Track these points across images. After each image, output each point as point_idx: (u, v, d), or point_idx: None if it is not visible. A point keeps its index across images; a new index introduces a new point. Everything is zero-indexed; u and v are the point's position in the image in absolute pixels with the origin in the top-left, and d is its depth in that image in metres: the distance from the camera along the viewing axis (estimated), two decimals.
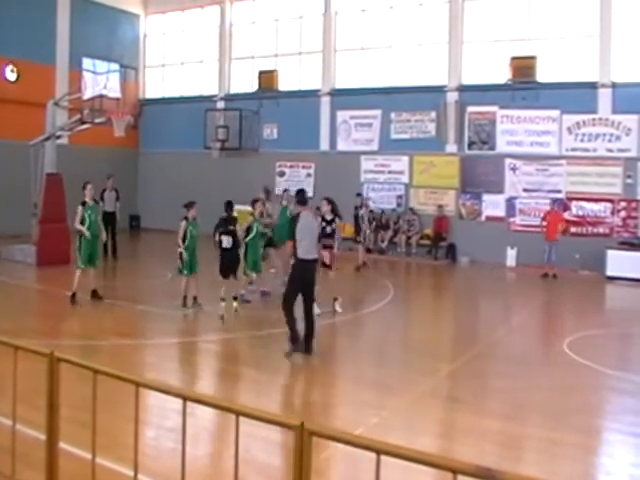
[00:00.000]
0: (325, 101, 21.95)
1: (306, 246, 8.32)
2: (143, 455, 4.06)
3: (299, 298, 8.46)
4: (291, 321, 8.34)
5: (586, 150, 17.94)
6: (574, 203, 18.14)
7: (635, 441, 6.20)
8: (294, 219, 8.57)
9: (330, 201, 11.45)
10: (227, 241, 10.66)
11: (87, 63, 16.14)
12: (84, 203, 11.33)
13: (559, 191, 18.26)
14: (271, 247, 13.06)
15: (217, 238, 10.71)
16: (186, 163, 24.34)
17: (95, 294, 11.43)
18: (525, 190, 18.81)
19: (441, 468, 2.36)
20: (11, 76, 21.42)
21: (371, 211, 18.99)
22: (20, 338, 4.36)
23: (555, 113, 18.23)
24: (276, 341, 8.95)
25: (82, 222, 11.17)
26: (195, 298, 11.13)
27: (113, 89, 16.25)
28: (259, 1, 23.66)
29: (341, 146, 21.62)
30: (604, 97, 17.71)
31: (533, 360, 8.99)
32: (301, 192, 9.01)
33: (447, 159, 19.86)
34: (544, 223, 17.16)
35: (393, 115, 20.61)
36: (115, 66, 16.83)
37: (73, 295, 11.06)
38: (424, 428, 6.33)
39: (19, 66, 21.39)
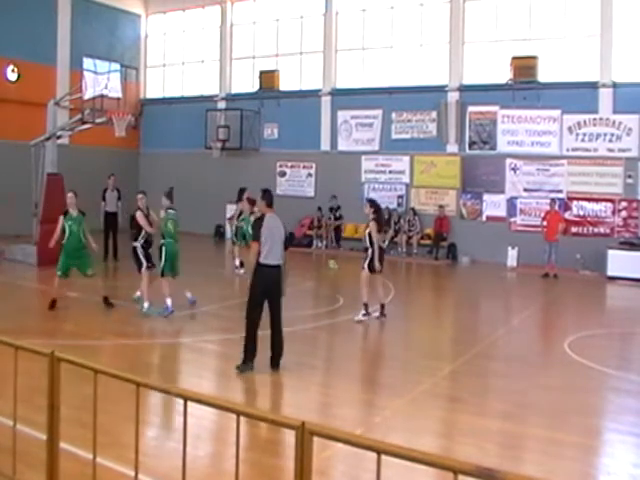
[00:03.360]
0: (326, 101, 21.95)
1: (269, 250, 7.70)
2: (144, 455, 4.06)
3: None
4: (249, 334, 7.64)
5: (587, 150, 17.94)
6: (575, 203, 18.14)
7: (635, 441, 6.19)
8: (258, 220, 8.02)
9: (371, 203, 10.97)
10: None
11: (88, 63, 16.17)
12: (66, 213, 10.98)
13: (560, 191, 18.25)
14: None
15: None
16: (187, 163, 24.33)
17: (106, 299, 11.15)
18: (526, 190, 18.80)
19: (441, 468, 2.36)
20: (12, 76, 21.43)
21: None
22: (21, 338, 4.37)
23: (556, 113, 18.23)
24: None
25: (63, 232, 10.83)
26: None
27: (114, 89, 16.27)
28: (260, 1, 23.67)
29: (342, 146, 21.62)
30: (605, 97, 17.71)
31: (534, 360, 8.99)
32: (267, 192, 8.34)
33: (448, 159, 19.86)
34: (544, 223, 17.18)
35: (394, 115, 20.61)
36: (116, 66, 16.86)
37: (52, 301, 10.68)
38: (425, 428, 6.33)
39: (20, 66, 21.39)
